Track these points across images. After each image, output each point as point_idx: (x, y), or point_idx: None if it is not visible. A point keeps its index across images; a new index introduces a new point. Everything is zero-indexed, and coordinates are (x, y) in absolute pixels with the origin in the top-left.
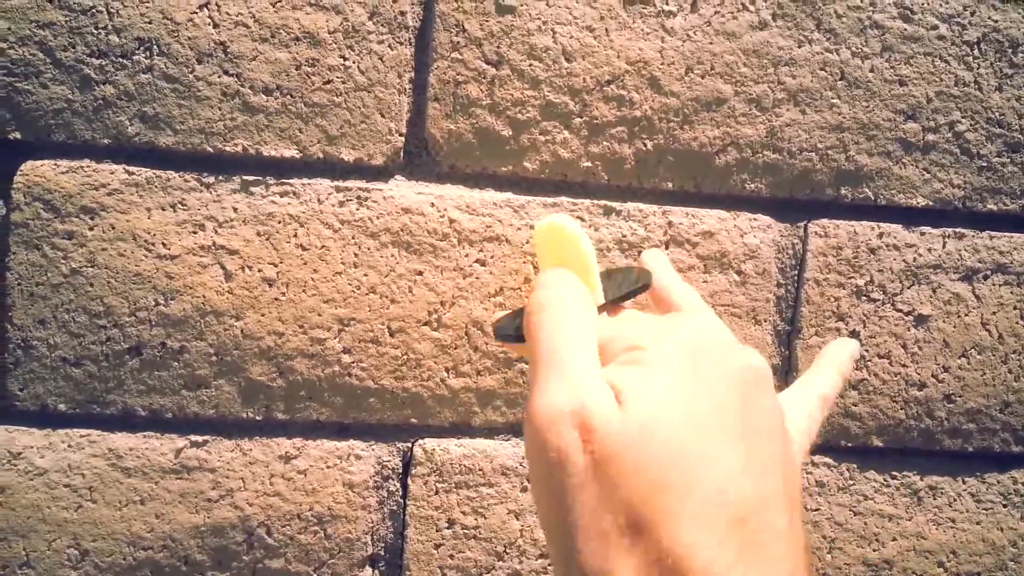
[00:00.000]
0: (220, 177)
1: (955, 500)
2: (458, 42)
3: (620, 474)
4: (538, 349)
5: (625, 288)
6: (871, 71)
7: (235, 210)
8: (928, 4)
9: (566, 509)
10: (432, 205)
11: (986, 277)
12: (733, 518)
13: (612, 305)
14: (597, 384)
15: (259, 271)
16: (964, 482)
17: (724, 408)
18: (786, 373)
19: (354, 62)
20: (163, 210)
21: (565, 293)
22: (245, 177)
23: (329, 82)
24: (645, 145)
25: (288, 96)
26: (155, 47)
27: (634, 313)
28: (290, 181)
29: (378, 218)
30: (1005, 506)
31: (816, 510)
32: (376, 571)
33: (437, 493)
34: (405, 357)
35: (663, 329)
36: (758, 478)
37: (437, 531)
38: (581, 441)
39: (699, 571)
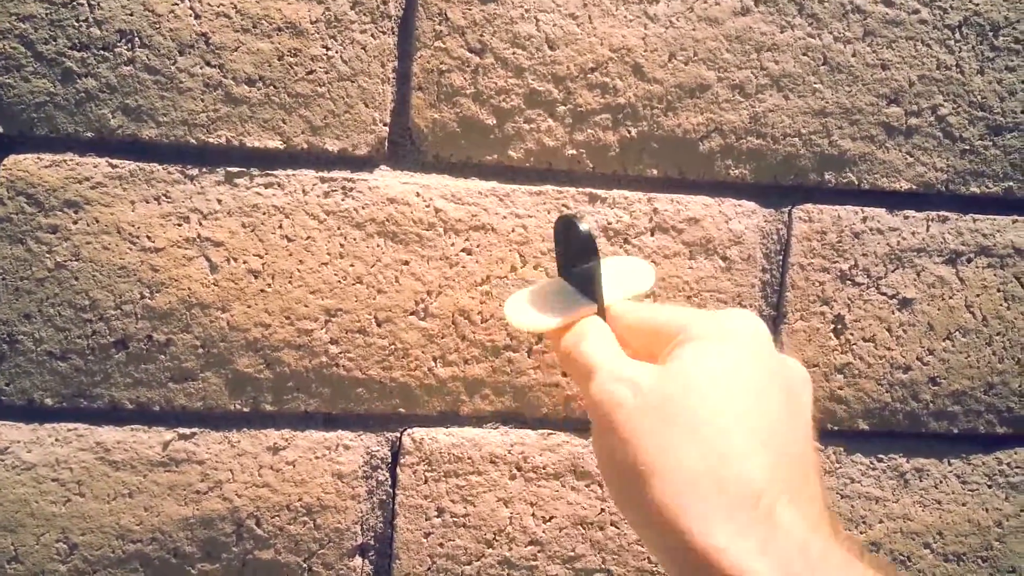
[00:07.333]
0: (204, 169)
1: (941, 482)
2: (441, 31)
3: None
4: (579, 366)
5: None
6: (853, 56)
7: (219, 202)
8: None
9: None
10: (417, 195)
11: (970, 260)
12: (756, 506)
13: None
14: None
15: (244, 263)
16: (950, 464)
17: (766, 398)
18: None
19: (337, 52)
20: (147, 203)
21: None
22: (229, 169)
23: (312, 72)
24: (629, 132)
25: (271, 87)
26: (137, 39)
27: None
28: (274, 172)
29: (363, 208)
30: (990, 487)
31: None
32: (366, 560)
33: (426, 482)
34: (392, 347)
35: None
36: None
37: (427, 520)
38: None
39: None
